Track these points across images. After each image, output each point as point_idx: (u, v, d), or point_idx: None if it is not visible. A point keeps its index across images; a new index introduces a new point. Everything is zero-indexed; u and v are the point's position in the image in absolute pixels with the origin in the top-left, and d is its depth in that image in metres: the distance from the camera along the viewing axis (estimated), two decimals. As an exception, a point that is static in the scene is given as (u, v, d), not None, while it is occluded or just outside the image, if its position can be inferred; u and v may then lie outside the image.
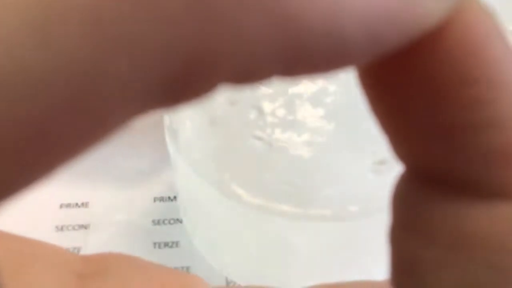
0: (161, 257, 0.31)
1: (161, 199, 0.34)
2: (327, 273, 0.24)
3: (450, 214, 0.09)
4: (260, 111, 0.25)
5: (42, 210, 0.33)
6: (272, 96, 0.25)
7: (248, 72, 0.07)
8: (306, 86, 0.25)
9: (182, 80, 0.07)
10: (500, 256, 0.09)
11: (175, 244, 0.32)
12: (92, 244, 0.32)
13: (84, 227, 0.33)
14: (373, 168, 0.23)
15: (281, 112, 0.25)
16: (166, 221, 0.33)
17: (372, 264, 0.21)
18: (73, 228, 0.33)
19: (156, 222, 0.33)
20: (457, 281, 0.09)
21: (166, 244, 0.32)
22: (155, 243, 0.32)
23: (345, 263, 0.24)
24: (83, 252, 0.31)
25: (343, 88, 0.25)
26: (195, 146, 0.24)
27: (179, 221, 0.33)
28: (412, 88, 0.09)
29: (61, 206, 0.34)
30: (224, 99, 0.25)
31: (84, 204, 0.34)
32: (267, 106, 0.25)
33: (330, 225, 0.22)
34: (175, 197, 0.33)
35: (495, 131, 0.08)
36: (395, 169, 0.10)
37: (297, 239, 0.23)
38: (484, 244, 0.09)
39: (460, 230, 0.09)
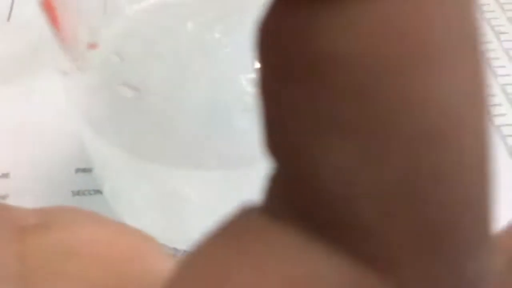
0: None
1: (84, 170, 0.34)
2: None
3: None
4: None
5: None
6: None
7: None
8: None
9: None
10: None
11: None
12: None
13: (2, 197, 0.32)
14: (250, 116, 0.22)
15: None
16: (86, 192, 0.33)
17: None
18: (-8, 199, 0.32)
19: (76, 193, 0.33)
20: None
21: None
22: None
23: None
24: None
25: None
26: (89, 103, 0.24)
27: (99, 192, 0.32)
28: None
29: (-21, 176, 0.33)
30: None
31: (5, 175, 0.33)
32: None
33: (218, 173, 0.22)
34: (97, 168, 0.33)
35: None
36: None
37: (188, 188, 0.22)
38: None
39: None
